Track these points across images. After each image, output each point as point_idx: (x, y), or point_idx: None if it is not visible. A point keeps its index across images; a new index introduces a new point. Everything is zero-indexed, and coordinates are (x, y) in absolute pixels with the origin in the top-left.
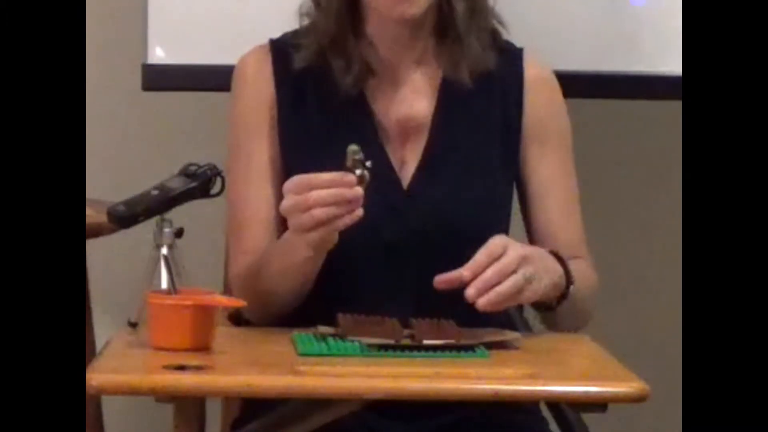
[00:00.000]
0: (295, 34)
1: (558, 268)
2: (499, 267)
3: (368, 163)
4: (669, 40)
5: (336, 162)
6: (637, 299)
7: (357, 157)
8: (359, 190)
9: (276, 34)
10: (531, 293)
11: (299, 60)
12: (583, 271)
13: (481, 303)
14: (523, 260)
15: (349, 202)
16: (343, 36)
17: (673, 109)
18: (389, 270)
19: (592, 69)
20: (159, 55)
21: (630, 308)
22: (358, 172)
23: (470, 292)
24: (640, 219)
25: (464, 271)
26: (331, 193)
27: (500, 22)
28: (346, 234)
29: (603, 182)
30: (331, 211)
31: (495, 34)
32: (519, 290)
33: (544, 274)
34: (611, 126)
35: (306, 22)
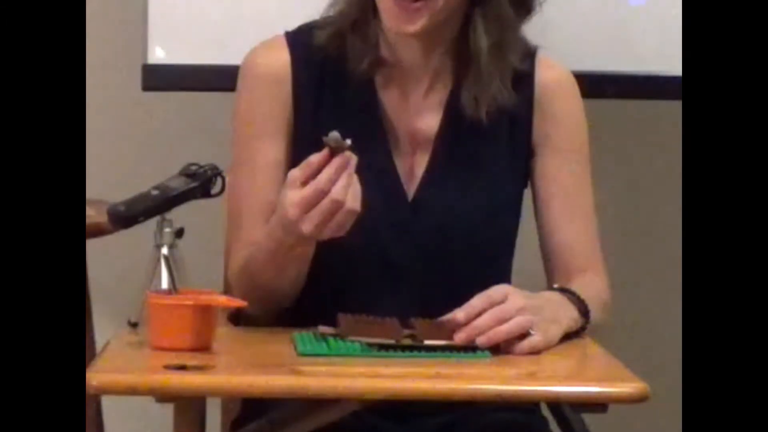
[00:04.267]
0: (313, 25)
1: (570, 313)
2: (496, 313)
3: (348, 142)
4: (669, 40)
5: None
6: (637, 299)
7: (338, 143)
8: (355, 158)
9: (276, 34)
10: (527, 344)
11: (318, 38)
12: (597, 299)
13: (481, 341)
14: (523, 311)
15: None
16: (364, 19)
17: (673, 109)
18: (392, 282)
19: (592, 69)
20: (159, 55)
21: (630, 309)
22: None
23: (461, 336)
24: (640, 219)
25: (458, 314)
26: (348, 176)
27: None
28: (349, 245)
29: (603, 182)
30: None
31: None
32: (522, 331)
33: (551, 324)
34: (611, 126)
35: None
